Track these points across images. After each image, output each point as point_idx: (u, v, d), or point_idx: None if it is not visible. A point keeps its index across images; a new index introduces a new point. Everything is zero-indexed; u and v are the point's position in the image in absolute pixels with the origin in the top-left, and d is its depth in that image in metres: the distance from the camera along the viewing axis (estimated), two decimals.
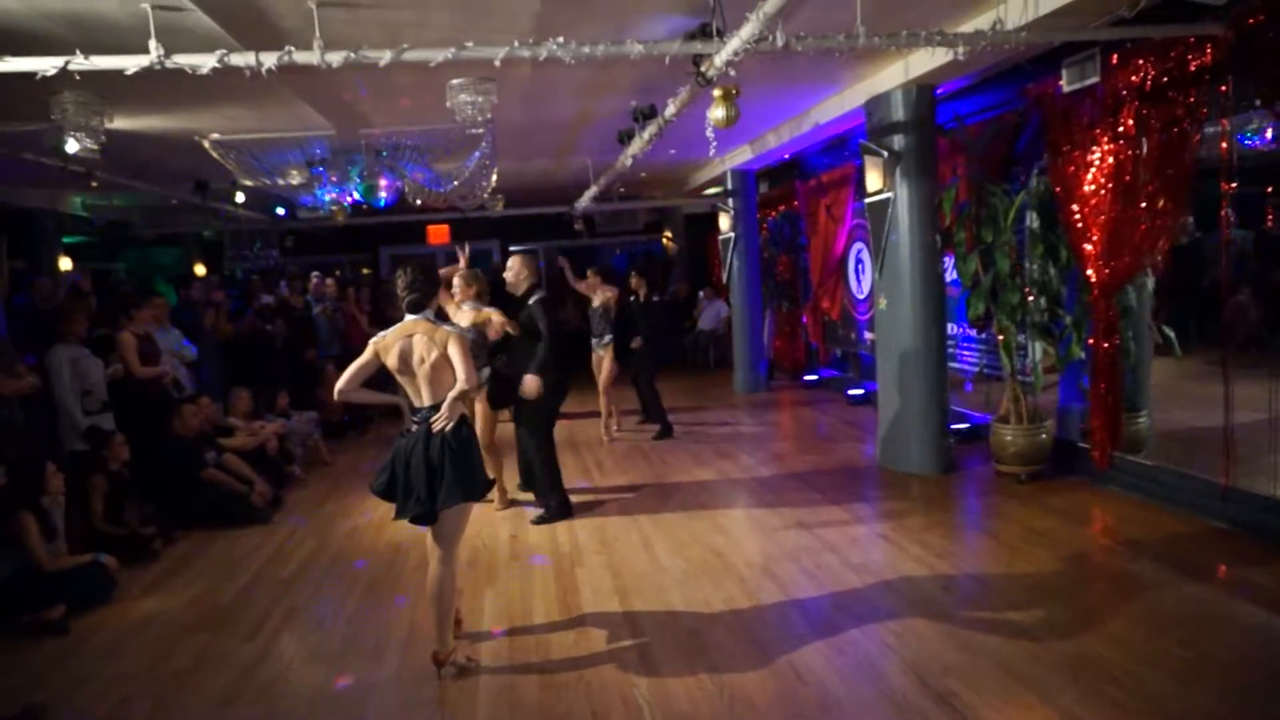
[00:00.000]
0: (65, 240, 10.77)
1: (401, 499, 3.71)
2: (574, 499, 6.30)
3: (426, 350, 3.64)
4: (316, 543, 5.85)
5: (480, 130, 6.49)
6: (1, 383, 5.58)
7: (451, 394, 3.63)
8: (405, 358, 3.66)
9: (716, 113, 5.21)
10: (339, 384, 3.72)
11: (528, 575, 4.98)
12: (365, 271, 15.94)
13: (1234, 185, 4.71)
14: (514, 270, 5.95)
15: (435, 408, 3.66)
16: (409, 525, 6.02)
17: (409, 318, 3.72)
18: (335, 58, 4.03)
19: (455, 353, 3.62)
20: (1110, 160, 5.20)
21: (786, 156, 10.67)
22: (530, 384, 5.68)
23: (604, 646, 4.00)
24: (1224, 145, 4.68)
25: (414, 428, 3.71)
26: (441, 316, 4.45)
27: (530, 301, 5.84)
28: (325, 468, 8.10)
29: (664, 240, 16.96)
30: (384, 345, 3.69)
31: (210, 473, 6.46)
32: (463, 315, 5.85)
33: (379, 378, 3.85)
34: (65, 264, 10.39)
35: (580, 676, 3.72)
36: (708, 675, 3.64)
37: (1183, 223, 6.25)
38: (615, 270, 14.30)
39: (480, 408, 6.09)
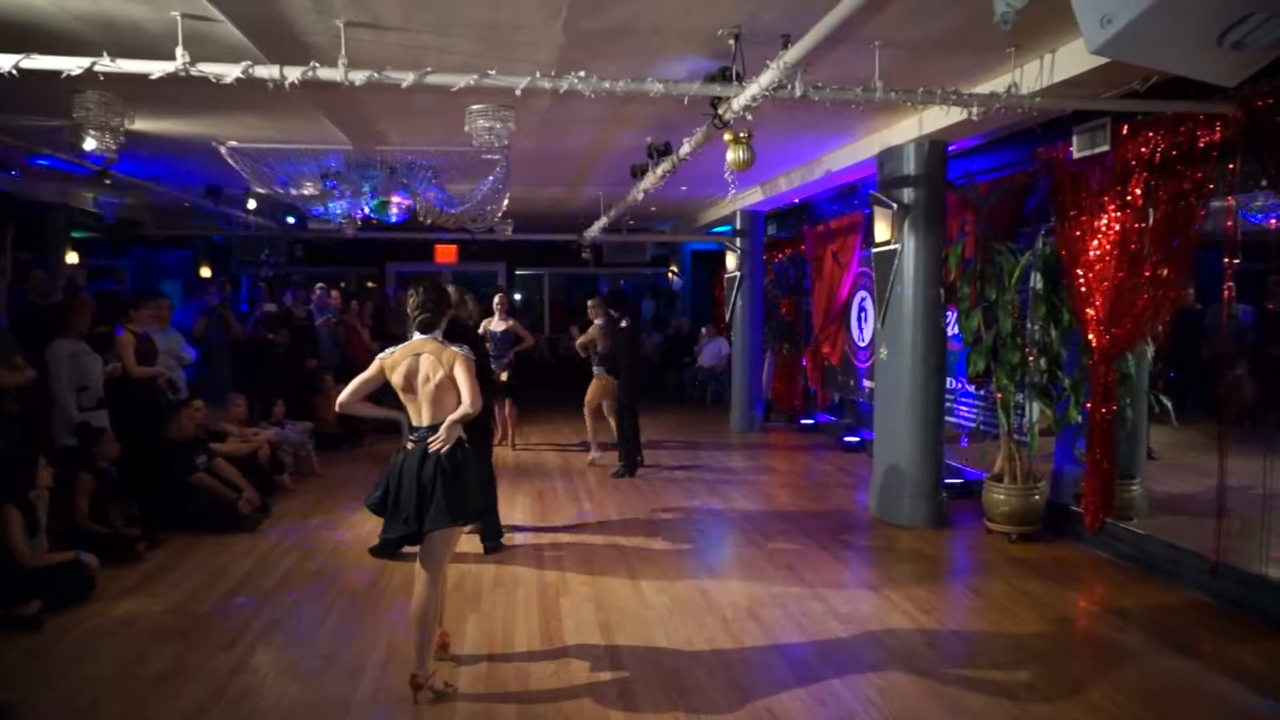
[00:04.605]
0: (74, 235, 10.81)
1: (390, 518, 3.71)
2: (563, 528, 6.27)
3: (432, 370, 3.64)
4: (301, 555, 5.81)
5: (496, 155, 6.56)
6: None
7: (452, 416, 3.63)
8: (411, 376, 3.67)
9: (733, 155, 5.27)
10: (341, 397, 3.73)
11: (511, 602, 4.94)
12: (370, 285, 15.99)
13: (1237, 261, 4.75)
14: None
15: (434, 428, 3.65)
16: None
17: (418, 336, 3.72)
18: (358, 76, 4.08)
19: (461, 375, 3.62)
20: (1116, 228, 5.25)
21: (796, 200, 10.76)
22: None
23: (584, 679, 3.96)
24: (1230, 222, 4.73)
25: (410, 446, 3.71)
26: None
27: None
28: (315, 479, 8.07)
29: (669, 274, 17.05)
30: (391, 362, 3.69)
31: (200, 477, 6.43)
32: None
33: (377, 392, 3.85)
34: (72, 258, 10.42)
35: (558, 708, 3.68)
36: (686, 715, 3.61)
37: (1184, 294, 6.30)
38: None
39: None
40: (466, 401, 3.61)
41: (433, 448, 3.62)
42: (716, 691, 3.83)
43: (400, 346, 3.74)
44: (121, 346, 6.55)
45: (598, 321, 8.63)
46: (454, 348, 3.69)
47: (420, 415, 3.72)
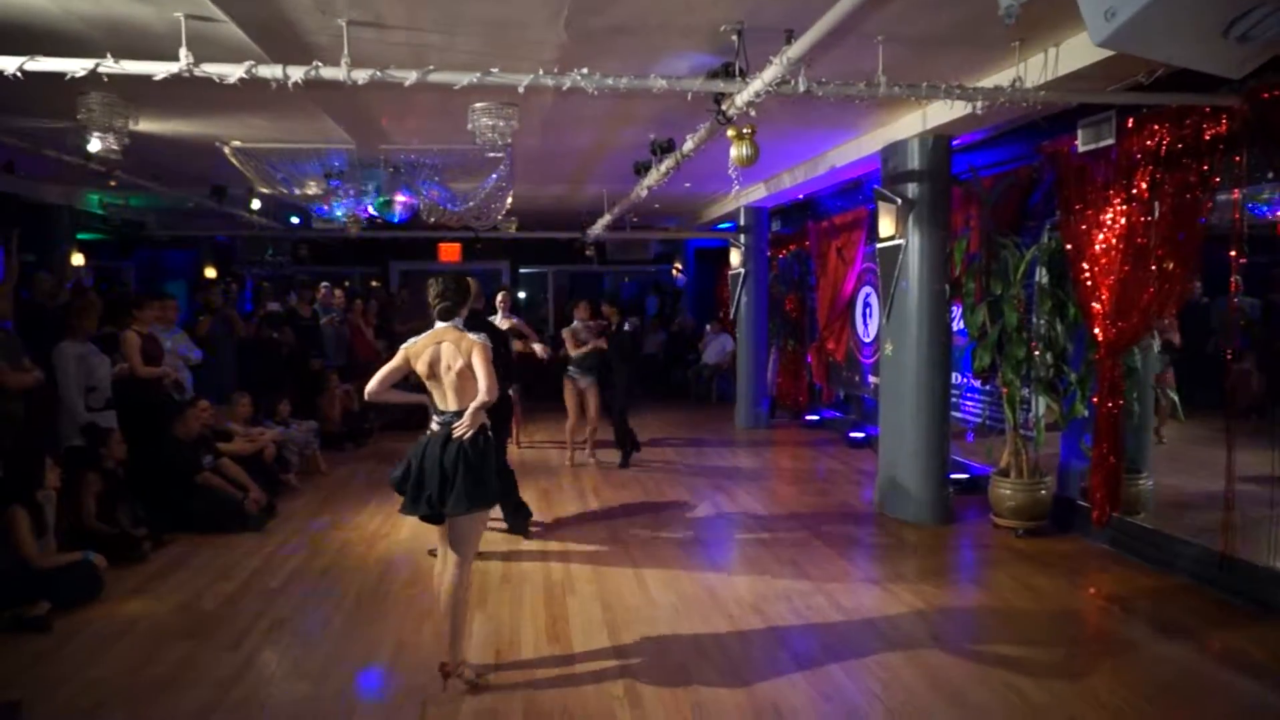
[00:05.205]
0: (79, 236, 10.84)
1: (411, 496, 3.77)
2: (567, 527, 6.33)
3: (453, 358, 3.73)
4: (307, 554, 5.82)
5: (499, 154, 6.56)
6: (6, 376, 5.59)
7: (474, 404, 3.69)
8: (434, 364, 3.76)
9: (736, 151, 5.27)
10: (370, 386, 3.83)
11: (518, 600, 4.95)
12: (375, 284, 16.01)
13: (1244, 254, 4.73)
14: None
15: (459, 413, 3.73)
16: (401, 542, 6.03)
17: (439, 325, 3.84)
18: (361, 75, 4.09)
19: (479, 362, 3.70)
20: (1122, 221, 5.23)
21: (800, 197, 10.74)
22: None
23: (590, 676, 3.96)
24: (1236, 215, 4.71)
25: (436, 428, 3.78)
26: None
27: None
28: (321, 478, 8.08)
29: (674, 271, 17.04)
30: (415, 351, 3.79)
31: (205, 476, 6.44)
32: None
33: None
34: (77, 259, 10.45)
35: (564, 707, 3.68)
36: (692, 713, 3.60)
37: (1191, 287, 6.28)
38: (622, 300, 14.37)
39: None
40: (483, 389, 3.68)
41: (456, 434, 3.69)
42: (722, 686, 3.83)
43: (423, 335, 3.84)
44: (128, 347, 6.57)
45: (577, 322, 8.54)
46: (472, 336, 3.79)
47: (446, 401, 3.80)
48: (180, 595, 5.06)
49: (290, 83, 4.07)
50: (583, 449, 8.84)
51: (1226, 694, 3.85)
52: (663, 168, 6.64)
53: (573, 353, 8.48)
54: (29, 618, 4.49)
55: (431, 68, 4.13)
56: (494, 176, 7.69)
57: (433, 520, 3.83)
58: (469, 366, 3.71)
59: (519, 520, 6.22)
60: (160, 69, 3.93)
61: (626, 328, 8.72)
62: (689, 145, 5.90)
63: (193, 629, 4.54)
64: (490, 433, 3.85)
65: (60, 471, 5.26)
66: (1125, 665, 4.07)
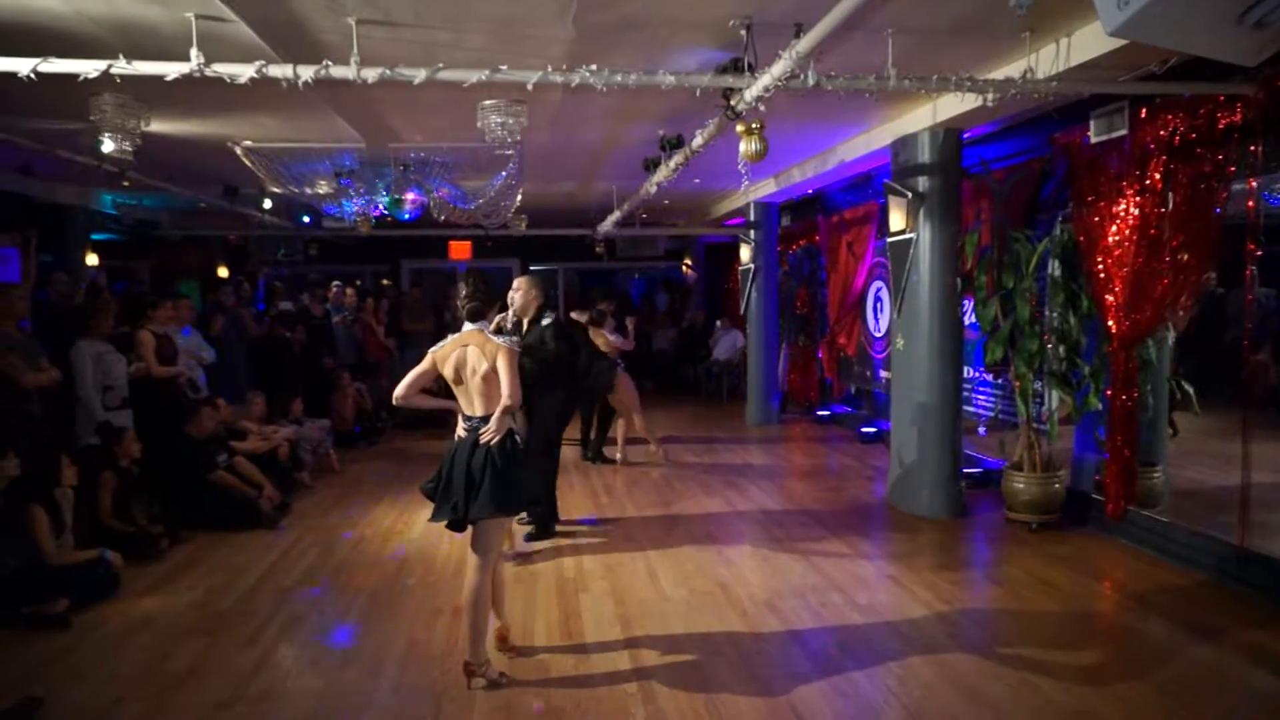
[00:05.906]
0: (93, 237, 10.91)
1: (439, 504, 3.78)
2: (579, 524, 6.38)
3: (477, 362, 3.71)
4: (321, 551, 5.85)
5: (508, 151, 6.56)
6: (24, 375, 5.64)
7: (499, 409, 3.69)
8: (459, 368, 3.75)
9: (746, 147, 5.26)
10: (398, 390, 3.81)
11: (530, 597, 4.96)
12: (385, 283, 16.05)
13: (1260, 245, 4.68)
14: (521, 292, 5.55)
15: (485, 419, 3.73)
16: (414, 539, 6.06)
17: (467, 327, 3.82)
18: (371, 74, 4.10)
19: (503, 367, 3.69)
20: (1135, 213, 5.20)
21: (810, 191, 10.71)
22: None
23: (603, 674, 3.96)
24: (1251, 204, 4.67)
25: (463, 435, 3.78)
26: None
27: (543, 324, 5.60)
28: (334, 476, 8.12)
29: (683, 267, 17.01)
30: (441, 355, 3.78)
31: (220, 475, 6.49)
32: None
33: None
34: (92, 260, 10.53)
35: (578, 703, 3.68)
36: (706, 710, 3.60)
37: (1206, 278, 6.22)
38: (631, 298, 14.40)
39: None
40: (505, 394, 3.67)
41: (483, 439, 3.68)
42: (738, 685, 3.83)
43: (450, 339, 3.83)
44: (143, 346, 6.62)
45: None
46: (497, 339, 3.76)
47: (472, 406, 3.79)
48: (196, 592, 5.09)
49: (300, 82, 4.09)
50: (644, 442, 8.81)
51: (1245, 689, 3.82)
52: (672, 164, 6.64)
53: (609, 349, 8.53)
54: (48, 615, 4.53)
55: (440, 66, 4.14)
56: (503, 174, 7.69)
57: (456, 528, 3.79)
58: (494, 371, 3.70)
59: (549, 524, 6.13)
60: (172, 69, 3.95)
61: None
62: (698, 141, 5.89)
63: (209, 625, 4.58)
64: (517, 437, 3.83)
65: (77, 470, 5.31)
66: (1142, 660, 4.05)
